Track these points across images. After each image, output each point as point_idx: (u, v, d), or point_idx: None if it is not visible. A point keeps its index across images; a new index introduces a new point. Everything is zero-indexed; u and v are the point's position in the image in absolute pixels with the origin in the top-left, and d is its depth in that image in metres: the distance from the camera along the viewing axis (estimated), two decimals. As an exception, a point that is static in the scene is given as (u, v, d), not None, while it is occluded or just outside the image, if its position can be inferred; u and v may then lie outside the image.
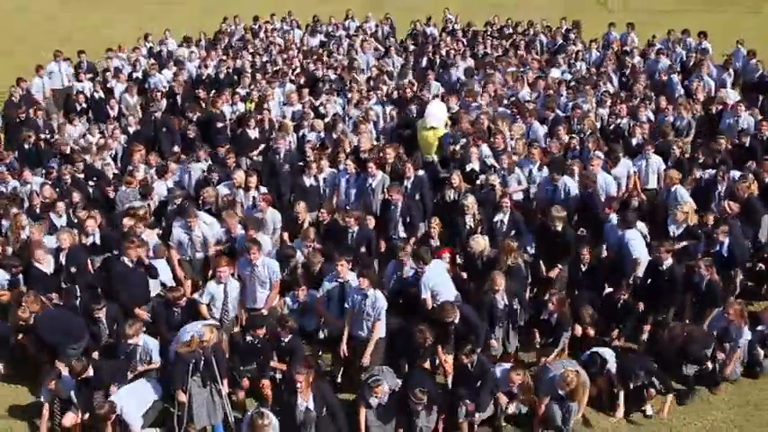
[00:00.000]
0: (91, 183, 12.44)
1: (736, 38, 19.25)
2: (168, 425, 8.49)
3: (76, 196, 11.50)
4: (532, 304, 9.73)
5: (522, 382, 8.56)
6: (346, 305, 8.97)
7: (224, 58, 18.96)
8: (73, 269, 9.76)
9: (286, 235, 10.90)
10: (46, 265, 9.92)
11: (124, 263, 9.61)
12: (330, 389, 8.32)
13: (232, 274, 9.43)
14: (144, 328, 8.96)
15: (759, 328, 9.47)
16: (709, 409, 9.19)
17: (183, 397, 8.18)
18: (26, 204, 11.86)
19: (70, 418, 8.41)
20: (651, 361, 9.00)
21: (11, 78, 17.17)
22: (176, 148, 13.84)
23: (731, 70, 16.98)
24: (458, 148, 12.47)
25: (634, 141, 13.11)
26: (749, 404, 9.26)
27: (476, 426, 8.62)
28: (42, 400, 8.59)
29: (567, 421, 8.56)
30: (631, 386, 8.80)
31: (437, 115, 13.48)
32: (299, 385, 7.70)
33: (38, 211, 11.51)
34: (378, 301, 8.75)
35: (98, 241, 10.59)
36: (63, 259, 10.01)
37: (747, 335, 9.14)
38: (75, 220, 11.14)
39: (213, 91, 16.74)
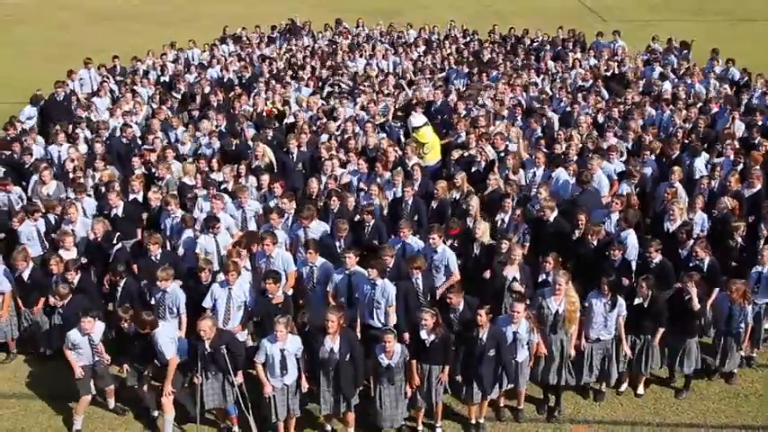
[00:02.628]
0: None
1: (720, 46, 18.86)
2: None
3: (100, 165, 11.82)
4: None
5: (526, 313, 8.14)
6: (356, 296, 8.77)
7: (244, 64, 18.77)
8: (120, 267, 9.28)
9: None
10: (69, 253, 9.67)
11: (150, 258, 9.42)
12: (357, 338, 8.09)
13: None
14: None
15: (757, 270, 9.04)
16: (701, 400, 8.95)
17: (197, 380, 8.05)
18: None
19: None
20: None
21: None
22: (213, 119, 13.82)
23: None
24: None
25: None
26: (739, 395, 9.01)
27: (485, 404, 8.36)
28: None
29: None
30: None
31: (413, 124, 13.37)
32: (330, 325, 7.60)
33: (70, 175, 11.69)
34: (386, 289, 8.54)
35: (120, 213, 10.56)
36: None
37: (750, 313, 8.67)
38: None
39: (231, 93, 16.51)
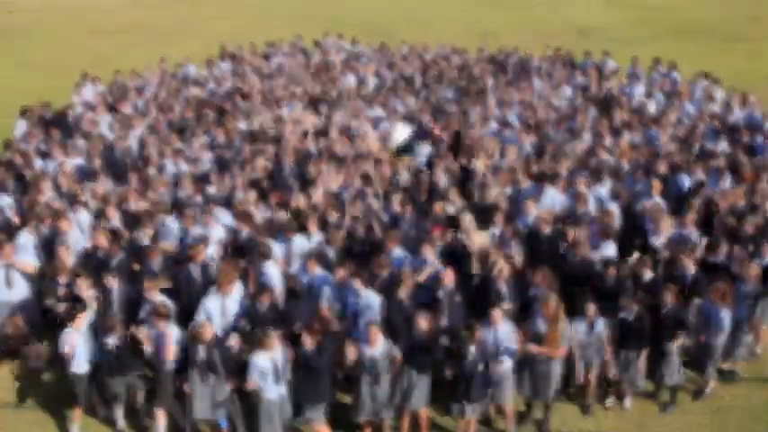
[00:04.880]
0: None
1: (702, 66, 18.91)
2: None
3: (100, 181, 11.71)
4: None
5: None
6: (347, 310, 8.72)
7: (238, 79, 18.66)
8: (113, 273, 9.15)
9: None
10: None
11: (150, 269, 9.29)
12: (327, 356, 7.94)
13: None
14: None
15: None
16: (685, 414, 8.91)
17: (187, 387, 8.00)
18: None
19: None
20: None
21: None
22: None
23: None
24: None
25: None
26: (722, 409, 8.97)
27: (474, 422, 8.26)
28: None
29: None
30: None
31: (396, 139, 13.55)
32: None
33: (63, 189, 11.58)
34: (370, 299, 8.51)
35: (118, 224, 10.50)
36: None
37: (728, 316, 8.57)
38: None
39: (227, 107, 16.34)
